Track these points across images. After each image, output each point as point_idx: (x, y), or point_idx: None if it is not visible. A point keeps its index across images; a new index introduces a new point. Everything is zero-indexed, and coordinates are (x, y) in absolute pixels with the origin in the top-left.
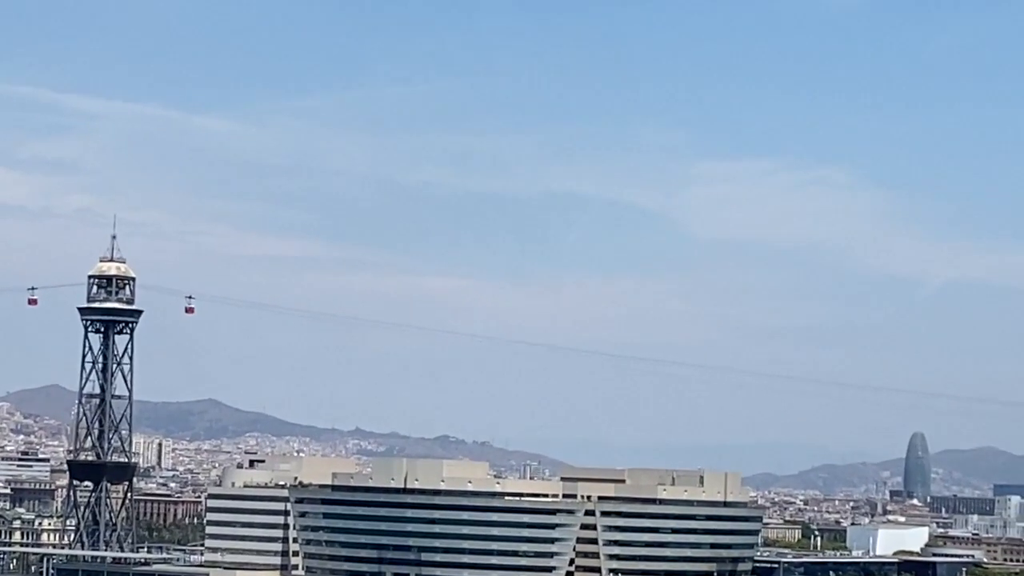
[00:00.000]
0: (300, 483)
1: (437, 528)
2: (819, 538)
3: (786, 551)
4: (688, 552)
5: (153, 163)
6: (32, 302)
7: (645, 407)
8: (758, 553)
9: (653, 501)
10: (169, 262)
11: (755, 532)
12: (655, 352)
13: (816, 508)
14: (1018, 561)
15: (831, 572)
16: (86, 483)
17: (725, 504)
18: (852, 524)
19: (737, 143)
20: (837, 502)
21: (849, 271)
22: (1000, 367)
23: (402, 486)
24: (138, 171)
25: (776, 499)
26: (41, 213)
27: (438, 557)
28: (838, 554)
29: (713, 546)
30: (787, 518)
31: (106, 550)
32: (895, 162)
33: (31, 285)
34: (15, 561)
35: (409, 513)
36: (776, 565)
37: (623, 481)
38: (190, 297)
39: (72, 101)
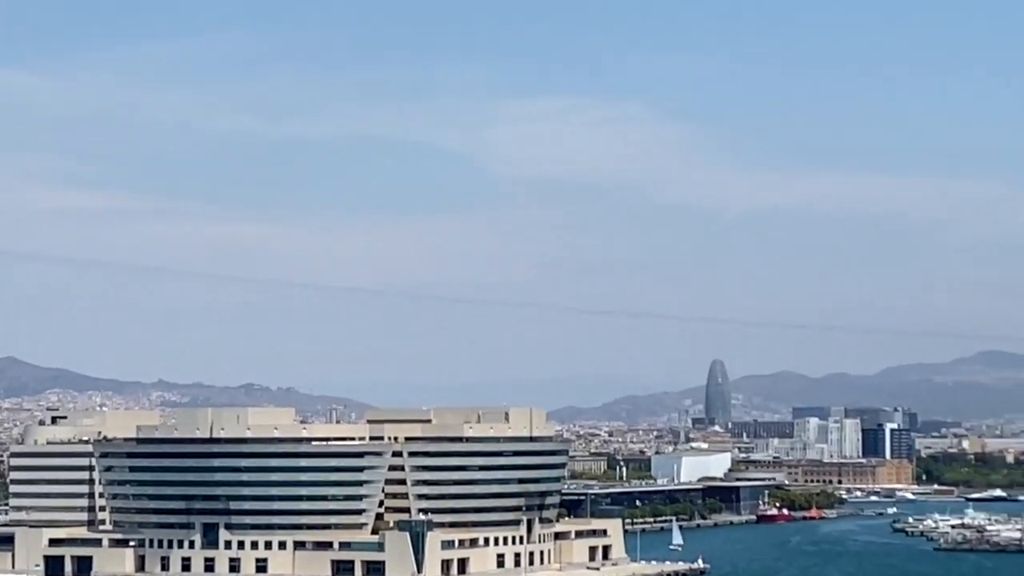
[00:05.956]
0: (104, 437)
1: (245, 476)
2: (625, 468)
3: (593, 483)
4: (496, 488)
5: None
6: None
7: (448, 346)
8: (566, 486)
9: (460, 439)
10: None
11: (562, 465)
12: (454, 290)
13: (621, 439)
14: (817, 481)
15: (637, 501)
16: None
17: (531, 439)
18: (656, 453)
19: (538, 80)
20: (641, 432)
21: (647, 204)
22: (794, 292)
23: (208, 436)
24: None
25: (581, 432)
26: None
27: (247, 505)
28: (644, 483)
29: (521, 481)
30: (592, 450)
31: None
32: (687, 97)
33: None
34: None
35: (216, 463)
36: (584, 497)
37: (429, 421)
38: None
39: None
